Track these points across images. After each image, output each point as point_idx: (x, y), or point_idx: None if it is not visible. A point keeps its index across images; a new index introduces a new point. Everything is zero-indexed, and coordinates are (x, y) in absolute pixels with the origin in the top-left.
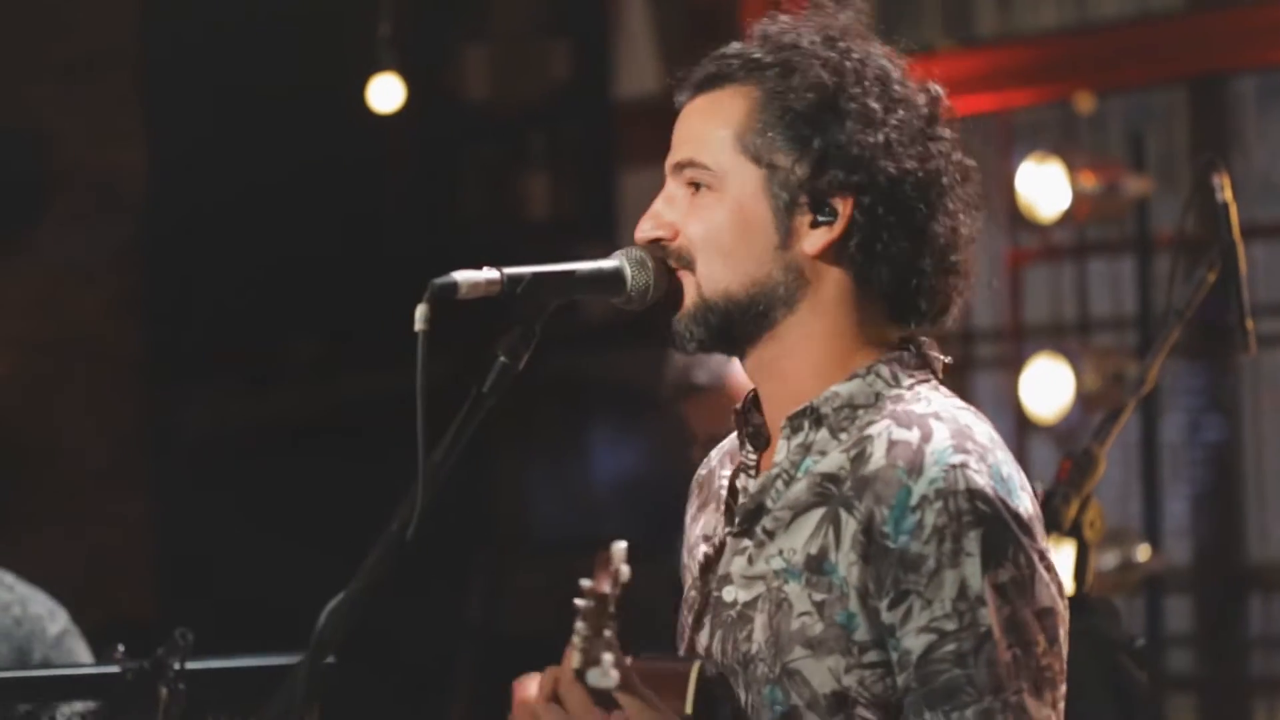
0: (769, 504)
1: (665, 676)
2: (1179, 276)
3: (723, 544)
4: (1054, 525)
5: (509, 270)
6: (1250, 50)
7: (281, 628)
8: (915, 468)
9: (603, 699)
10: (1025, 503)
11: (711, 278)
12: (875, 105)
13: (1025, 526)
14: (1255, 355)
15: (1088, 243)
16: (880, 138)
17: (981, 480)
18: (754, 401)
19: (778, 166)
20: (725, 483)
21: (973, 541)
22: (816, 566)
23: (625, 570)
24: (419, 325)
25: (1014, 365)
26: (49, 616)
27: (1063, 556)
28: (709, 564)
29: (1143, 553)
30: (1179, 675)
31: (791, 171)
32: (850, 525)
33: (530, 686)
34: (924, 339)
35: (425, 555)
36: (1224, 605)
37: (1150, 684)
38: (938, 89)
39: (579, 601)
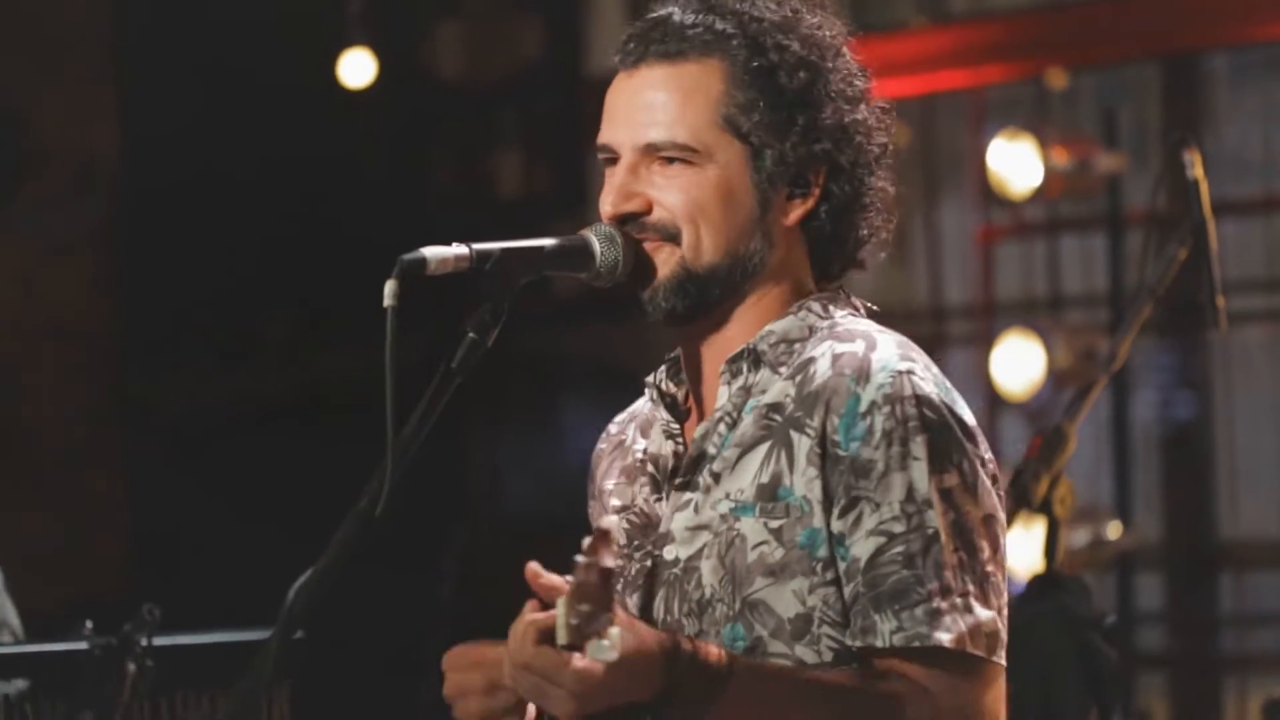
0: (711, 450)
1: None
2: (1151, 253)
3: (648, 509)
4: (1024, 502)
5: (478, 246)
6: (1222, 27)
7: (256, 604)
8: (863, 374)
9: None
10: (967, 412)
11: (698, 249)
12: (857, 82)
13: (970, 433)
14: (1226, 332)
15: (1059, 219)
16: (861, 113)
17: (928, 387)
18: (669, 372)
19: (762, 143)
20: (644, 452)
21: (919, 446)
22: (770, 494)
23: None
24: (388, 301)
25: (985, 342)
26: None
27: (1034, 534)
28: (637, 530)
29: (1113, 530)
30: (1149, 653)
31: (776, 147)
32: (804, 443)
33: (474, 656)
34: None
35: (397, 532)
36: (1194, 583)
37: (1121, 661)
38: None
39: (571, 578)
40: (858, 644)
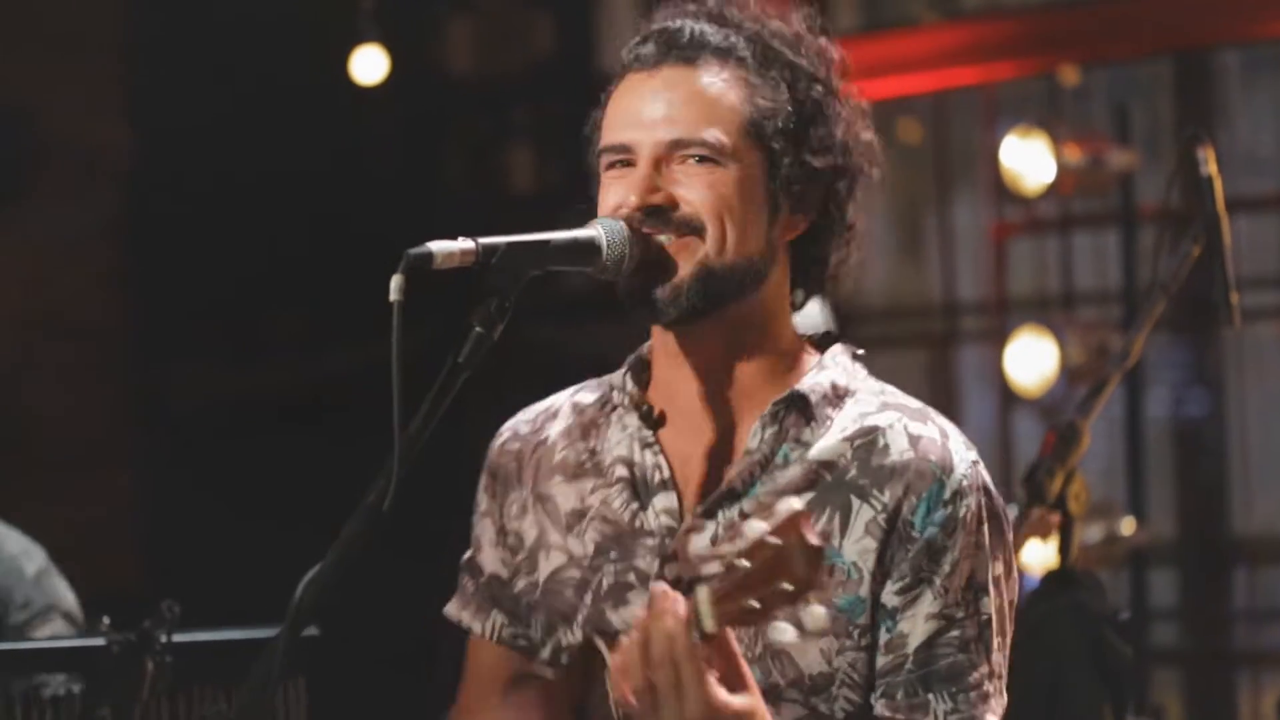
0: (741, 489)
1: None
2: (1164, 250)
3: (617, 518)
4: (1039, 498)
5: (484, 240)
6: (1234, 23)
7: (268, 601)
8: (946, 464)
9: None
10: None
11: (722, 246)
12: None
13: (1008, 520)
14: (1239, 329)
15: (1072, 216)
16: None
17: (987, 477)
18: (634, 376)
19: (782, 150)
20: (591, 456)
21: (985, 535)
22: None
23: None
24: (394, 296)
25: (998, 338)
26: (24, 555)
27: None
28: (609, 540)
29: (1127, 526)
30: (1163, 649)
31: (793, 156)
32: (866, 513)
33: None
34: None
35: (404, 527)
36: (1208, 578)
37: (1134, 657)
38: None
39: (745, 561)
40: (900, 717)
